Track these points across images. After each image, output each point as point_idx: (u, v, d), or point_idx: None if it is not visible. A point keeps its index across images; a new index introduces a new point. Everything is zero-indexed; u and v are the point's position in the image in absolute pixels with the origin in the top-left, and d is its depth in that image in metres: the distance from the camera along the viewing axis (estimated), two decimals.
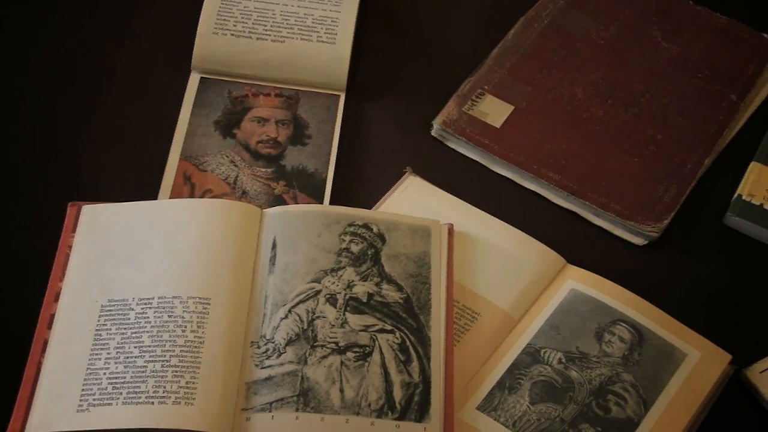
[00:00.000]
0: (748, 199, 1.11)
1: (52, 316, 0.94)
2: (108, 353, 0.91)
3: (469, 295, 1.01)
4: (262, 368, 0.92)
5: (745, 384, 0.99)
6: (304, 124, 1.14)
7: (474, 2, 1.29)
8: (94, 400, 0.89)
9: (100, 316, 0.94)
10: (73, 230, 1.00)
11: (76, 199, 1.03)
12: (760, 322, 1.05)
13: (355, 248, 1.00)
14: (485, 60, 1.21)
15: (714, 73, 1.21)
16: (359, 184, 1.10)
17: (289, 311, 0.95)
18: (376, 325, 0.95)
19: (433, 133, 1.16)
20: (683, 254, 1.09)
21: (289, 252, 0.98)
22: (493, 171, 1.13)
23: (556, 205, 1.11)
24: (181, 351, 0.91)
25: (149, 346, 0.91)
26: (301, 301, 0.96)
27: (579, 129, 1.15)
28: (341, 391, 0.91)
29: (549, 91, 1.18)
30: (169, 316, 0.93)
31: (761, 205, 1.10)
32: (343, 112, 1.15)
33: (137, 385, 0.89)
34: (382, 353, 0.94)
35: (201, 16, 1.17)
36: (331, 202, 1.08)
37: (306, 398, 0.90)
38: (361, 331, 0.95)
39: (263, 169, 1.10)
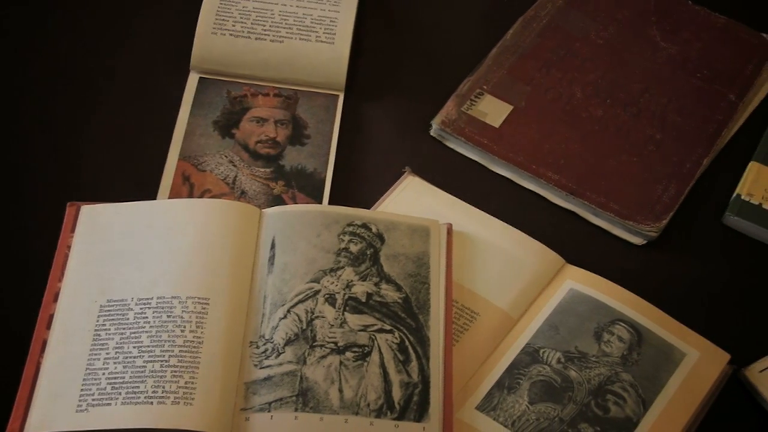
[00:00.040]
0: (746, 199, 1.11)
1: (51, 316, 0.94)
2: (107, 353, 0.91)
3: (468, 294, 1.01)
4: (261, 368, 0.92)
5: (744, 384, 0.99)
6: (303, 124, 1.14)
7: (473, 2, 1.29)
8: (93, 400, 0.89)
9: (99, 316, 0.94)
10: (72, 230, 1.00)
11: (74, 199, 1.03)
12: (759, 321, 1.05)
13: (354, 248, 1.00)
14: (484, 60, 1.21)
15: (713, 73, 1.21)
16: (358, 184, 1.10)
17: (288, 311, 0.95)
18: (375, 324, 0.95)
19: (432, 132, 1.16)
20: (682, 254, 1.09)
21: (288, 252, 0.98)
22: (492, 171, 1.13)
23: (555, 204, 1.11)
24: (180, 351, 0.91)
25: (148, 346, 0.91)
26: (300, 301, 0.96)
27: (578, 129, 1.15)
28: (340, 391, 0.91)
29: (548, 91, 1.18)
30: (168, 316, 0.93)
31: (760, 204, 1.10)
32: (342, 112, 1.15)
33: (136, 385, 0.89)
34: (381, 353, 0.94)
35: (200, 16, 1.17)
36: (330, 202, 1.08)
37: (305, 398, 0.90)
38: (360, 331, 0.95)
39: (262, 169, 1.10)
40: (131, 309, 0.94)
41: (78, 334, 0.93)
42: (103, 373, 0.90)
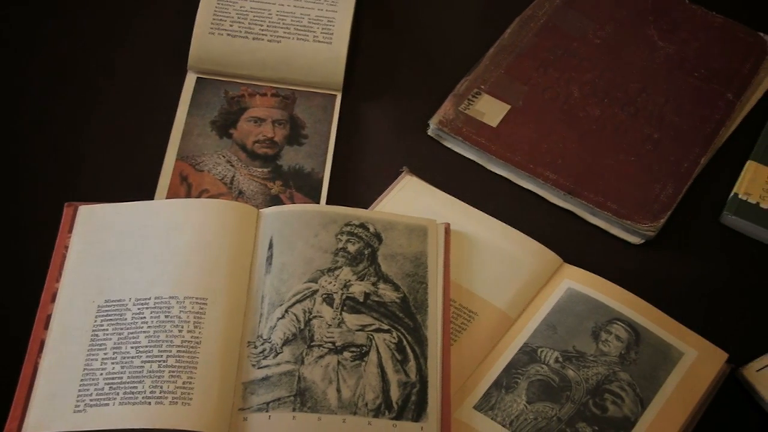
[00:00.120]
0: (744, 198, 1.11)
1: (49, 317, 0.94)
2: (105, 353, 0.91)
3: (465, 294, 1.01)
4: (259, 368, 0.92)
5: (742, 382, 1.00)
6: (301, 124, 1.14)
7: (470, 2, 1.29)
8: (90, 400, 0.89)
9: (96, 317, 0.94)
10: (70, 230, 1.00)
11: (72, 199, 1.02)
12: (757, 320, 1.05)
13: (351, 248, 1.00)
14: (481, 59, 1.21)
15: (710, 72, 1.21)
16: (356, 184, 1.10)
17: (286, 311, 0.95)
18: (373, 324, 0.95)
19: (429, 132, 1.16)
20: (680, 253, 1.09)
21: (286, 252, 0.98)
22: (489, 170, 1.13)
23: (553, 204, 1.11)
24: (177, 351, 0.91)
25: (146, 347, 0.91)
26: (298, 301, 0.96)
27: (575, 128, 1.15)
28: (338, 390, 0.91)
29: (545, 91, 1.18)
30: (166, 317, 0.93)
31: (757, 203, 1.10)
32: (340, 111, 1.15)
33: (134, 385, 0.89)
34: (378, 353, 0.94)
35: (197, 16, 1.17)
36: (328, 202, 1.08)
37: (303, 398, 0.90)
38: (357, 330, 0.95)
39: (260, 169, 1.10)
40: (129, 309, 0.94)
41: (76, 334, 0.93)
42: (101, 374, 0.90)
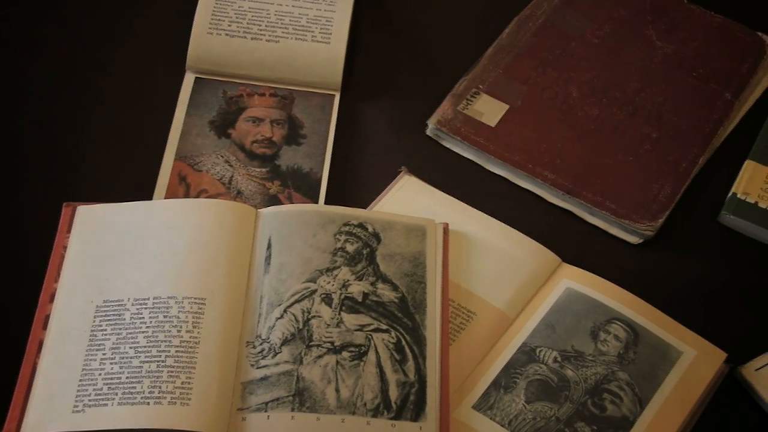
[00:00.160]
0: (742, 198, 1.11)
1: (48, 317, 0.94)
2: (103, 354, 0.91)
3: (464, 294, 1.01)
4: (257, 368, 0.92)
5: (741, 382, 1.00)
6: (299, 123, 1.14)
7: (468, 1, 1.29)
8: (89, 400, 0.89)
9: (95, 317, 0.94)
10: (69, 231, 1.00)
11: (71, 199, 1.02)
12: (756, 320, 1.05)
13: (350, 248, 1.00)
14: (480, 59, 1.21)
15: (709, 72, 1.21)
16: (354, 184, 1.10)
17: (285, 311, 0.95)
18: (372, 324, 0.95)
19: (428, 132, 1.16)
20: (678, 253, 1.09)
21: (285, 252, 0.98)
22: (488, 170, 1.13)
23: (552, 204, 1.11)
24: (176, 351, 0.91)
25: (145, 347, 0.91)
26: (297, 301, 0.96)
27: (574, 128, 1.15)
28: (337, 390, 0.91)
29: (544, 90, 1.18)
30: (165, 317, 0.92)
31: (756, 203, 1.10)
32: (338, 111, 1.15)
33: (133, 385, 0.89)
34: (377, 353, 0.94)
35: (195, 16, 1.17)
36: (326, 202, 1.08)
37: (302, 398, 0.90)
38: (356, 330, 0.95)
39: (258, 169, 1.10)
40: (128, 309, 0.94)
41: (74, 334, 0.93)
42: (100, 374, 0.90)
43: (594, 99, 1.18)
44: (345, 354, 0.93)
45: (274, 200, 1.08)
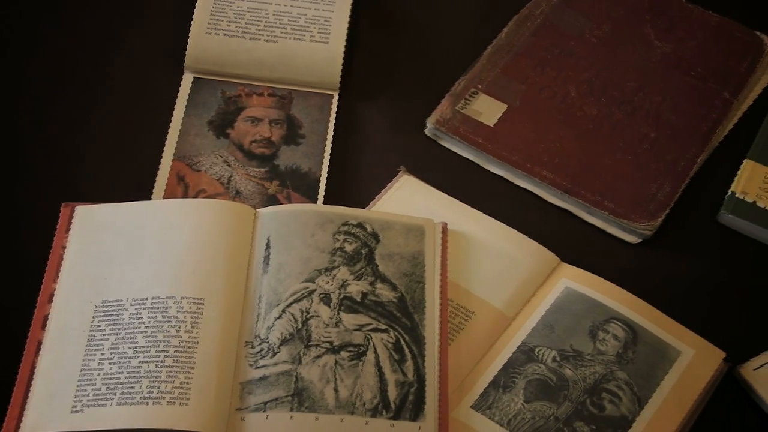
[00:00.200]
0: (741, 197, 1.11)
1: (46, 317, 0.94)
2: (102, 354, 0.91)
3: (463, 293, 1.01)
4: (256, 368, 0.92)
5: (739, 381, 1.00)
6: (298, 123, 1.14)
7: (467, 1, 1.29)
8: (88, 400, 0.88)
9: (94, 317, 0.94)
10: (67, 231, 1.00)
11: (69, 200, 1.02)
12: (754, 319, 1.05)
13: (349, 247, 1.00)
14: (478, 59, 1.21)
15: (707, 71, 1.21)
16: (353, 184, 1.10)
17: (284, 311, 0.95)
18: (371, 324, 0.95)
19: (426, 132, 1.16)
20: (677, 252, 1.09)
21: (283, 252, 0.98)
22: (486, 170, 1.13)
23: (550, 203, 1.11)
24: (175, 351, 0.91)
25: (143, 347, 0.91)
26: (296, 301, 0.96)
27: (572, 127, 1.15)
28: (336, 390, 0.91)
29: (542, 90, 1.18)
30: (163, 317, 0.92)
31: (754, 202, 1.10)
32: (337, 111, 1.15)
33: (131, 385, 0.89)
34: (376, 352, 0.94)
35: (194, 16, 1.17)
36: (325, 202, 1.08)
37: (300, 398, 0.90)
38: (355, 330, 0.95)
39: (257, 169, 1.10)
40: (126, 309, 0.94)
41: (73, 334, 0.93)
42: (98, 374, 0.90)
43: (592, 98, 1.18)
44: (344, 354, 0.93)
45: (272, 200, 1.08)
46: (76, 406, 0.88)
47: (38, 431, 0.88)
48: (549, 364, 0.96)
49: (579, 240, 1.09)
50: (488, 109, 1.16)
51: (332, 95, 1.16)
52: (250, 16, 1.18)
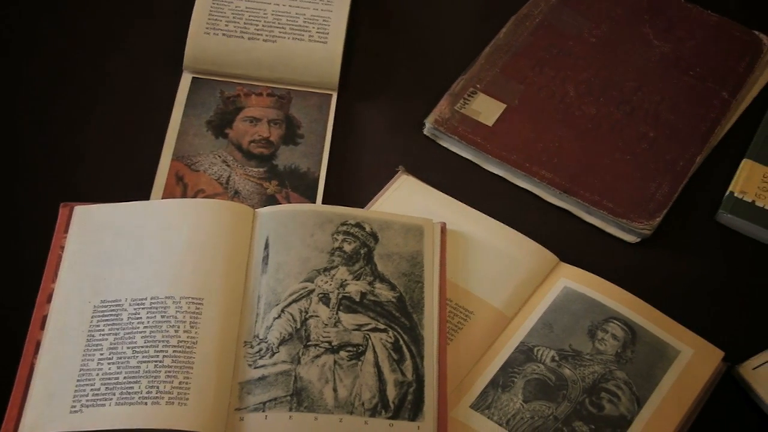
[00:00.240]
0: (740, 196, 1.11)
1: (45, 317, 0.94)
2: (101, 354, 0.91)
3: (462, 293, 1.01)
4: (255, 368, 0.92)
5: (738, 380, 1.00)
6: (297, 123, 1.14)
7: (466, 1, 1.29)
8: (87, 400, 0.88)
9: (92, 317, 0.94)
10: (66, 231, 1.00)
11: (68, 199, 1.02)
12: (753, 319, 1.05)
13: (347, 247, 1.00)
14: (477, 58, 1.21)
15: (706, 71, 1.21)
16: (352, 184, 1.10)
17: (282, 311, 0.95)
18: (369, 324, 0.95)
19: (425, 131, 1.16)
20: (676, 252, 1.09)
21: (282, 252, 0.98)
22: (485, 169, 1.13)
23: (549, 203, 1.11)
24: (174, 351, 0.91)
25: (142, 347, 0.91)
26: (294, 301, 0.96)
27: (571, 127, 1.15)
28: (334, 390, 0.91)
29: (541, 90, 1.18)
30: (162, 317, 0.92)
31: (753, 202, 1.11)
32: (336, 111, 1.15)
33: (130, 385, 0.89)
34: (375, 352, 0.94)
35: (192, 16, 1.17)
36: (324, 202, 1.08)
37: (299, 398, 0.90)
38: (354, 330, 0.94)
39: (255, 169, 1.10)
40: (125, 309, 0.93)
41: (72, 334, 0.93)
42: (97, 374, 0.90)
43: (591, 98, 1.18)
44: (342, 354, 0.93)
45: (271, 200, 1.08)
46: (74, 406, 0.88)
47: (37, 431, 0.88)
48: (548, 363, 0.96)
49: (578, 240, 1.09)
50: (487, 109, 1.16)
51: (331, 95, 1.16)
52: (249, 16, 1.18)
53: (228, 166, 1.10)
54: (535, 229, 1.06)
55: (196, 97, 1.15)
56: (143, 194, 1.06)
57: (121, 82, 1.17)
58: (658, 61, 1.22)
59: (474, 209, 1.08)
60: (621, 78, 1.20)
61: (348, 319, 0.95)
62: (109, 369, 0.90)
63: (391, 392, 0.92)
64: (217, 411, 0.89)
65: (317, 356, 0.92)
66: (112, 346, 0.91)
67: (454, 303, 1.00)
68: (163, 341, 0.91)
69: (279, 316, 0.94)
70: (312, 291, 0.96)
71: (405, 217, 1.03)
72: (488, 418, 0.93)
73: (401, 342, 0.95)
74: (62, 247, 0.99)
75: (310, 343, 0.93)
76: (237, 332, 0.94)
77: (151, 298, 0.94)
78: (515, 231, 1.06)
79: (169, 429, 0.87)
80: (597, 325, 0.99)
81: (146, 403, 0.88)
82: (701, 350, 0.99)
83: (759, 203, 1.10)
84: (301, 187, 1.09)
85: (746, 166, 1.13)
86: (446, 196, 1.09)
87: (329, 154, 1.12)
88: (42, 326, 0.94)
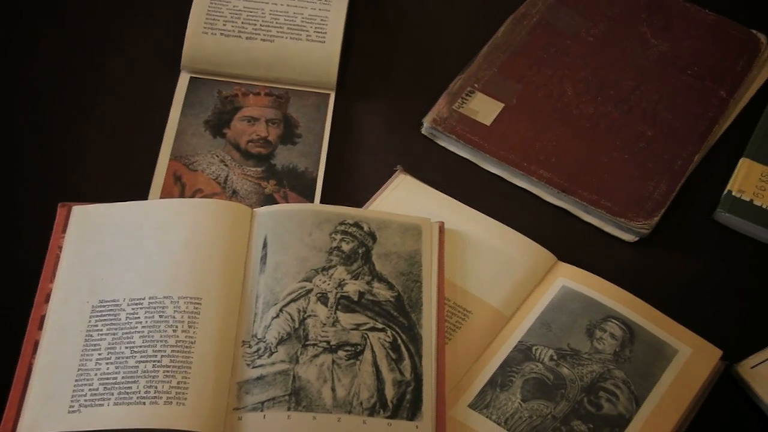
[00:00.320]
0: (738, 195, 1.11)
1: (43, 317, 0.94)
2: (99, 354, 0.91)
3: (460, 292, 1.01)
4: (253, 368, 0.92)
5: (737, 379, 1.00)
6: (294, 123, 1.14)
7: (463, 1, 1.29)
8: (85, 400, 0.88)
9: (91, 317, 0.93)
10: (64, 231, 1.00)
11: (66, 199, 1.02)
12: (752, 318, 1.05)
13: (345, 247, 0.99)
14: (475, 58, 1.21)
15: (703, 70, 1.21)
16: (350, 183, 1.10)
17: (281, 310, 0.95)
18: (368, 323, 0.95)
19: (423, 131, 1.16)
20: (674, 251, 1.09)
21: (280, 251, 0.98)
22: (483, 169, 1.13)
23: (547, 202, 1.11)
24: (172, 351, 0.91)
25: (140, 347, 0.91)
26: (293, 300, 0.96)
27: (569, 126, 1.16)
28: (333, 389, 0.91)
29: (539, 89, 1.18)
30: (160, 317, 0.92)
31: (751, 201, 1.11)
32: (333, 110, 1.15)
33: (128, 385, 0.89)
34: (373, 352, 0.94)
35: (190, 15, 1.17)
36: (322, 201, 1.08)
37: (298, 397, 0.90)
38: (352, 329, 0.94)
39: (253, 169, 1.10)
40: (123, 309, 0.93)
41: (70, 334, 0.93)
42: (96, 374, 0.90)
43: (589, 97, 1.18)
44: (341, 353, 0.93)
45: (269, 200, 1.08)
46: (73, 406, 0.88)
47: (35, 431, 0.88)
48: (546, 362, 0.97)
49: (576, 239, 1.09)
50: (485, 108, 1.16)
51: (329, 94, 1.16)
52: (247, 16, 1.17)
53: (226, 165, 1.10)
54: (533, 229, 1.06)
55: (194, 96, 1.15)
56: (141, 194, 1.06)
57: (119, 82, 1.17)
58: (655, 60, 1.22)
59: (472, 208, 1.08)
60: (619, 77, 1.20)
61: (346, 319, 0.95)
62: (108, 369, 0.90)
63: (390, 392, 0.92)
64: (215, 411, 0.89)
65: (315, 356, 0.92)
66: (110, 346, 0.91)
67: (452, 302, 1.00)
68: (161, 341, 0.91)
69: (277, 316, 0.94)
70: (310, 290, 0.96)
71: (403, 217, 1.03)
72: (487, 417, 0.93)
73: (399, 341, 0.95)
74: (60, 247, 0.99)
75: (308, 342, 0.93)
76: (235, 332, 0.94)
77: (149, 298, 0.94)
78: (513, 230, 1.06)
79: (167, 429, 0.87)
80: (595, 324, 0.99)
81: (144, 403, 0.88)
82: (699, 349, 0.99)
83: (757, 202, 1.10)
84: (299, 186, 1.09)
85: (744, 164, 1.13)
86: (444, 195, 1.09)
87: (327, 153, 1.12)
88: (40, 326, 0.94)
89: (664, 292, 1.05)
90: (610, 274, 1.03)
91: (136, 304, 0.94)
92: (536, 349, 0.97)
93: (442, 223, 1.04)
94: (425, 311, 0.97)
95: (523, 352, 0.97)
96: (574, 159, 1.13)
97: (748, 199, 1.11)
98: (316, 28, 1.17)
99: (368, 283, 0.98)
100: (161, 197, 1.06)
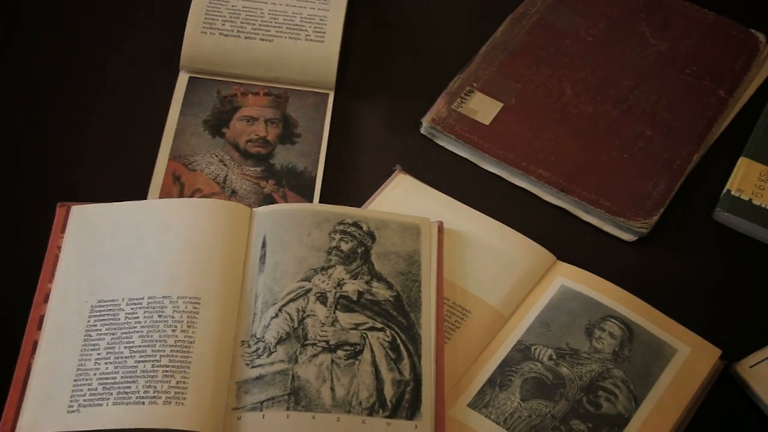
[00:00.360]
0: (737, 195, 1.11)
1: (42, 317, 0.94)
2: (98, 354, 0.91)
3: (459, 292, 1.01)
4: (252, 367, 0.92)
5: (736, 379, 1.00)
6: (293, 122, 1.14)
7: (463, 0, 1.29)
8: (84, 400, 0.88)
9: (90, 317, 0.93)
10: (63, 231, 1.00)
11: (65, 199, 1.02)
12: (750, 317, 1.05)
13: (344, 246, 1.00)
14: (474, 57, 1.21)
15: (702, 69, 1.21)
16: (349, 183, 1.10)
17: (280, 310, 0.95)
18: (367, 323, 0.95)
19: (422, 130, 1.16)
20: (673, 250, 1.09)
21: (279, 251, 0.98)
22: (482, 168, 1.14)
23: (546, 201, 1.11)
24: (171, 351, 0.91)
25: (139, 347, 0.91)
26: (292, 300, 0.96)
27: (568, 126, 1.16)
28: (332, 389, 0.91)
29: (538, 88, 1.18)
30: (159, 316, 0.92)
31: (750, 200, 1.11)
32: (332, 110, 1.15)
33: (128, 385, 0.89)
34: (372, 351, 0.94)
35: (189, 15, 1.17)
36: (321, 201, 1.08)
37: (297, 397, 0.90)
38: (351, 329, 0.95)
39: (252, 168, 1.10)
40: (122, 309, 0.93)
41: (69, 334, 0.93)
42: (95, 374, 0.90)
43: (588, 97, 1.18)
44: (340, 353, 0.93)
45: (268, 199, 1.08)
46: (72, 406, 0.88)
47: (34, 431, 0.88)
48: (545, 362, 0.97)
49: (575, 238, 1.09)
50: (484, 108, 1.16)
51: (328, 94, 1.16)
52: (246, 15, 1.18)
53: (225, 165, 1.10)
54: (532, 228, 1.06)
55: (193, 96, 1.15)
56: (140, 194, 1.06)
57: (118, 82, 1.17)
58: (654, 59, 1.22)
59: (471, 208, 1.08)
60: (618, 76, 1.20)
61: (345, 318, 0.95)
62: (107, 369, 0.90)
63: (389, 391, 0.92)
64: (214, 410, 0.89)
65: (315, 355, 0.93)
66: (109, 345, 0.91)
67: (451, 302, 1.00)
68: (160, 341, 0.91)
69: (276, 316, 0.94)
70: (309, 290, 0.96)
71: (402, 216, 1.03)
72: (486, 416, 0.93)
73: (398, 341, 0.95)
74: (59, 247, 0.99)
75: (307, 342, 0.93)
76: (234, 331, 0.94)
77: (148, 298, 0.94)
78: (512, 230, 1.06)
79: (166, 429, 0.87)
80: (594, 324, 0.99)
81: (144, 403, 0.88)
82: (698, 348, 0.99)
83: (756, 201, 1.10)
84: (298, 186, 1.09)
85: (743, 164, 1.13)
86: (443, 195, 1.09)
87: (326, 153, 1.12)
88: (39, 326, 0.94)
89: (663, 291, 1.05)
90: (609, 273, 1.03)
91: (135, 303, 0.94)
92: (535, 349, 0.97)
93: (441, 222, 1.04)
94: (424, 311, 0.97)
95: (522, 351, 0.97)
96: (573, 158, 1.13)
97: (747, 199, 1.11)
98: (315, 27, 1.17)
99: (367, 282, 0.98)
100: (160, 197, 1.06)
